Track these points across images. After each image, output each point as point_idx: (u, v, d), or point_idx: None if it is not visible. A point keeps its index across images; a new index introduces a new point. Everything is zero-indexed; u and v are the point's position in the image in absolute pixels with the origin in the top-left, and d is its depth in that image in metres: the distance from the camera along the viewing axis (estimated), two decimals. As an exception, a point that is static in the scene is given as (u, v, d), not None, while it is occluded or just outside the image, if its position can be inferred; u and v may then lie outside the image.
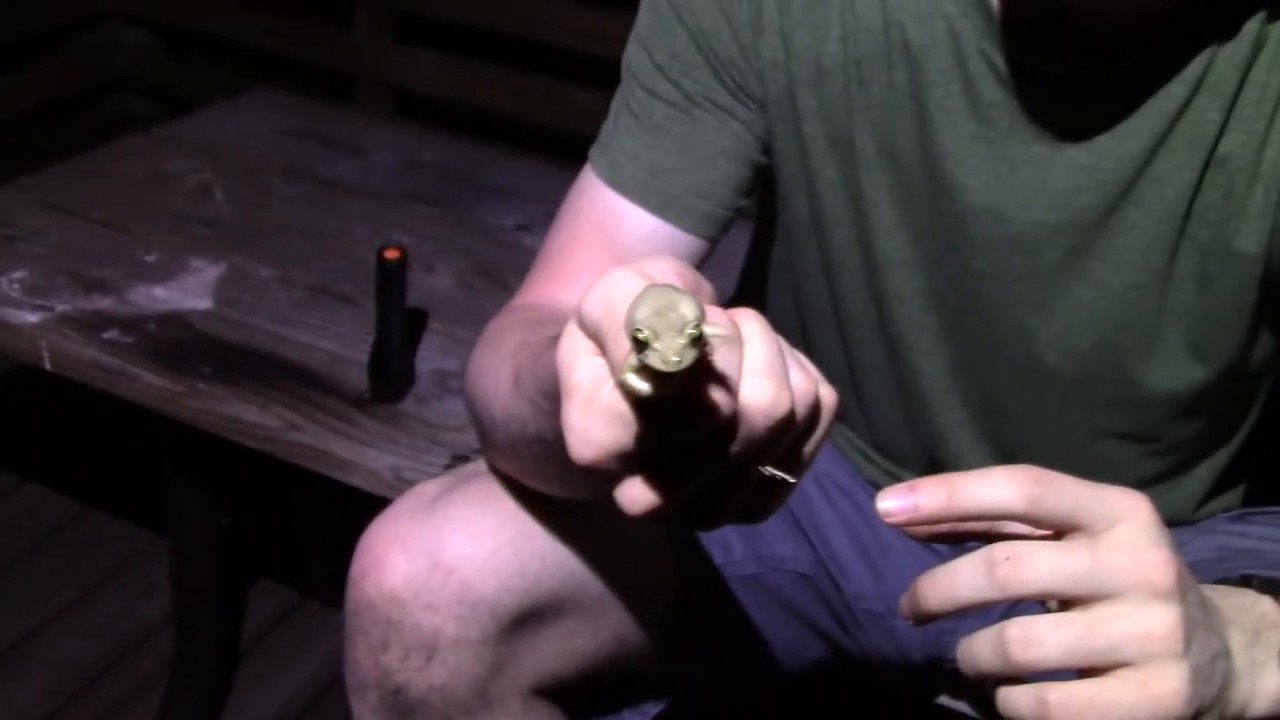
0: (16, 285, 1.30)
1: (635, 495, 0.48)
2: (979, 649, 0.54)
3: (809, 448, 0.52)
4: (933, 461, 0.91)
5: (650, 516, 0.48)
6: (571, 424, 0.47)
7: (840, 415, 0.52)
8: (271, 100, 1.81)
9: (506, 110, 2.36)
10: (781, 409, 0.47)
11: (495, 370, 0.71)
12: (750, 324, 0.49)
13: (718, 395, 0.46)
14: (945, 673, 0.99)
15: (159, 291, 1.33)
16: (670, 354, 0.43)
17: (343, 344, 1.28)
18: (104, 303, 1.29)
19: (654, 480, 0.48)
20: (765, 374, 0.47)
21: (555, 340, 0.51)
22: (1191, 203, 0.75)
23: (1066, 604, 0.53)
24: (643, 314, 0.45)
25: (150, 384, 1.20)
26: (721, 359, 0.46)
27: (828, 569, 0.94)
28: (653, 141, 0.83)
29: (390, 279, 1.17)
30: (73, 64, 2.72)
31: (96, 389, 1.23)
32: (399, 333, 1.19)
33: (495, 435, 0.73)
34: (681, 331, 0.43)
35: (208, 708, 1.56)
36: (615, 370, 0.45)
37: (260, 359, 1.24)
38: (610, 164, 0.84)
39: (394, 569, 0.72)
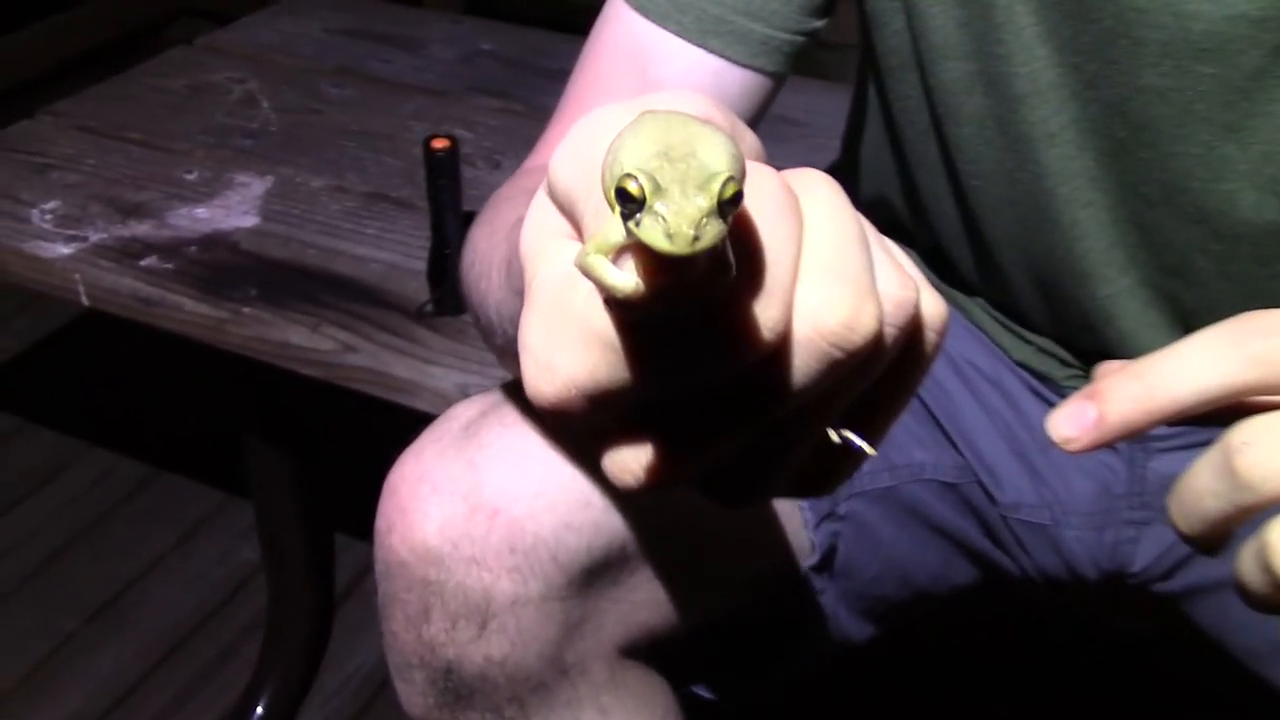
0: (49, 217, 1.19)
1: (625, 462, 0.32)
2: (1245, 567, 0.38)
3: (901, 393, 0.35)
4: (1097, 340, 0.73)
5: (648, 490, 0.32)
6: (528, 345, 0.32)
7: (944, 332, 0.36)
8: (319, 1, 1.66)
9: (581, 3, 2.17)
10: (862, 331, 0.31)
11: (488, 255, 0.55)
12: (817, 193, 0.32)
13: (760, 305, 0.30)
14: (1127, 589, 0.81)
15: (200, 212, 1.20)
16: (683, 223, 0.27)
17: (401, 253, 1.14)
18: (141, 228, 1.17)
19: (655, 439, 0.32)
20: (837, 273, 0.31)
21: None
22: None
23: None
24: (638, 156, 0.28)
25: (191, 312, 1.08)
26: (769, 245, 0.30)
27: (976, 475, 0.77)
28: None
29: (441, 172, 1.02)
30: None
31: (150, 327, 1.12)
32: (457, 234, 1.04)
33: (495, 339, 0.57)
34: (703, 187, 0.27)
35: (307, 657, 1.47)
36: (593, 259, 0.30)
37: (311, 277, 1.11)
38: None
39: (425, 516, 0.58)
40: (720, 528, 0.65)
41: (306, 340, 1.04)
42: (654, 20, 0.65)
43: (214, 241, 1.15)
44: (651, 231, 0.27)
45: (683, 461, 0.32)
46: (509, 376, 0.96)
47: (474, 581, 0.57)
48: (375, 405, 1.04)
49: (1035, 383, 0.78)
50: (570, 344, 0.31)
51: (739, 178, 0.28)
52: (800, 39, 0.67)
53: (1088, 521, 0.77)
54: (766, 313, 0.30)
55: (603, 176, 0.30)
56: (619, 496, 0.60)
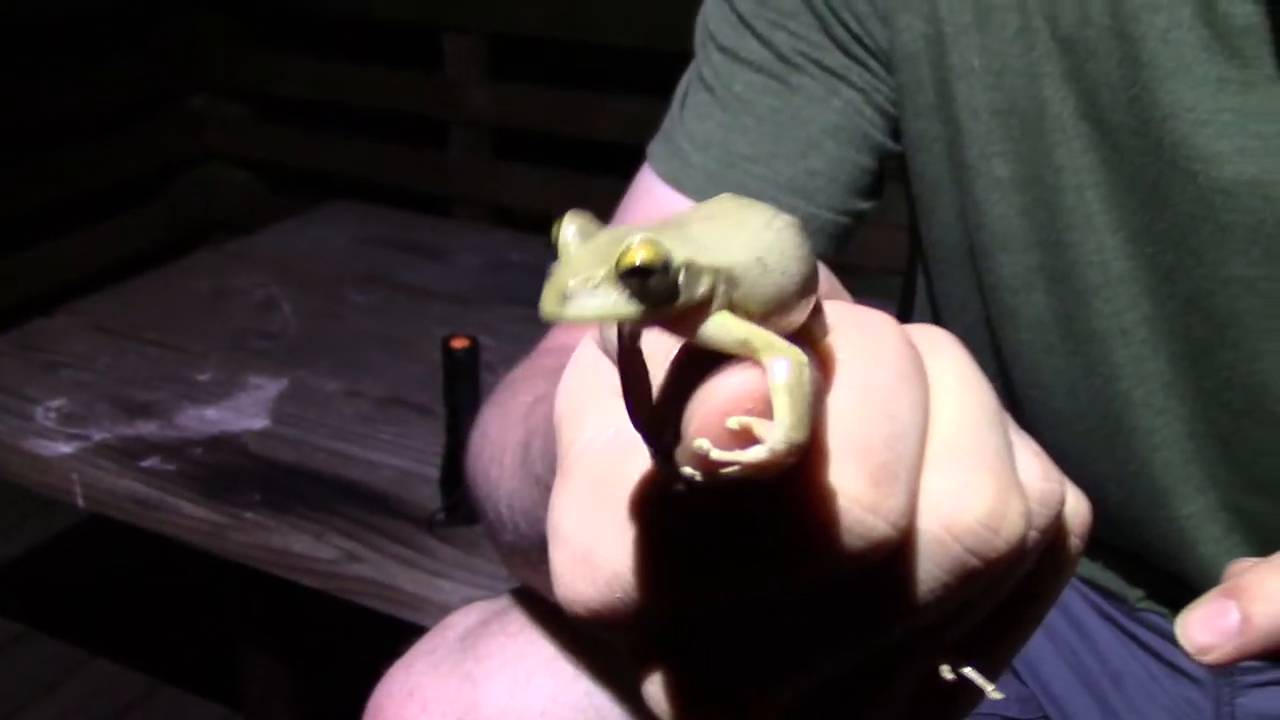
0: (53, 414, 1.15)
1: (675, 694, 0.25)
2: None
3: (1032, 614, 0.29)
4: (1173, 565, 0.65)
5: None
6: (561, 530, 0.26)
7: (1087, 538, 0.29)
8: (349, 210, 1.67)
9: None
10: (1006, 533, 0.24)
11: (501, 440, 0.49)
12: (946, 355, 0.27)
13: (879, 490, 0.23)
14: None
15: (210, 413, 1.16)
16: (553, 283, 0.21)
17: (415, 459, 1.09)
18: (147, 428, 1.13)
19: (719, 663, 0.24)
20: (974, 457, 0.25)
21: None
22: None
23: None
24: (649, 222, 0.23)
25: (190, 516, 1.02)
26: (891, 415, 0.24)
27: (1043, 710, 0.69)
28: (730, 121, 0.61)
29: (459, 373, 0.98)
30: (176, 207, 2.67)
31: (148, 531, 1.06)
32: (474, 438, 0.99)
33: (503, 536, 0.50)
34: (608, 250, 0.21)
35: None
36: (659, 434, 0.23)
37: (319, 482, 1.05)
38: (672, 155, 0.63)
39: None
40: None
41: (309, 549, 0.98)
42: (689, 195, 0.61)
43: (221, 443, 1.11)
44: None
45: (753, 698, 0.24)
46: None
47: (465, 819, 0.49)
48: (383, 616, 0.97)
49: (1103, 602, 0.70)
50: (618, 531, 0.25)
51: (706, 254, 0.22)
52: (846, 220, 0.62)
53: (1171, 766, 0.68)
54: (887, 501, 0.23)
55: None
56: (637, 712, 0.52)
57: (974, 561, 0.24)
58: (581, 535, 0.25)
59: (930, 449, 0.25)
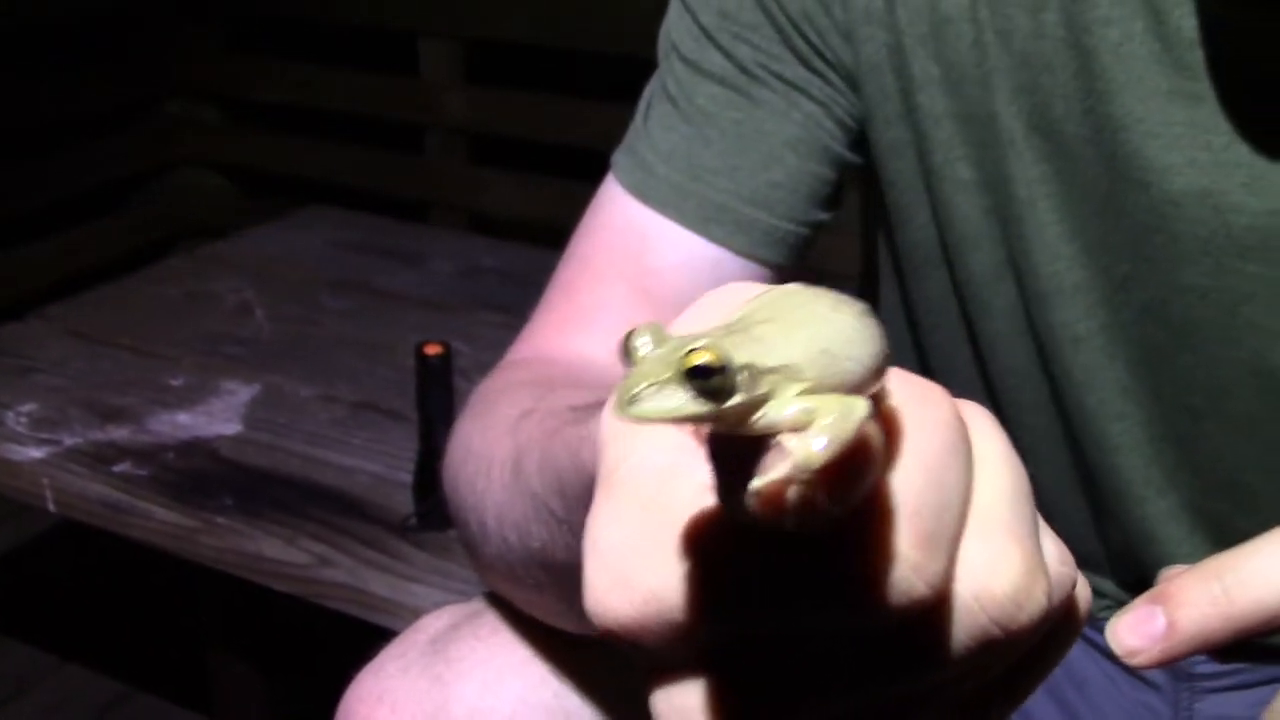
0: (24, 419, 1.14)
1: (688, 711, 0.26)
2: None
3: (1033, 680, 0.31)
4: (1135, 566, 0.67)
5: None
6: (601, 546, 0.27)
7: (1088, 618, 0.33)
8: (324, 215, 1.67)
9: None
10: (1030, 609, 0.27)
11: (486, 453, 0.50)
12: (988, 433, 0.29)
13: (921, 552, 0.25)
14: None
15: (183, 418, 1.16)
16: (625, 384, 0.23)
17: (388, 464, 1.09)
18: (119, 433, 1.13)
19: (737, 688, 0.26)
20: (1009, 533, 0.27)
21: (585, 410, 0.35)
22: None
23: None
24: (702, 326, 0.26)
25: (162, 521, 1.02)
26: (940, 483, 0.26)
27: (1006, 714, 0.70)
28: (693, 133, 0.62)
29: (432, 379, 0.98)
30: (150, 212, 2.66)
31: (119, 536, 1.06)
32: (447, 444, 0.99)
33: (486, 549, 0.51)
34: (672, 355, 0.23)
35: None
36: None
37: (291, 487, 1.05)
38: (636, 166, 0.63)
39: None
40: None
41: (281, 553, 0.98)
42: (653, 206, 0.62)
43: (193, 449, 1.11)
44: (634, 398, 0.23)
45: None
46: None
47: (436, 821, 0.50)
48: (355, 621, 0.97)
49: (1067, 610, 0.71)
50: (663, 553, 0.26)
51: (765, 356, 0.23)
52: (806, 231, 0.63)
53: (1132, 770, 0.69)
54: (929, 565, 0.25)
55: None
56: (610, 717, 0.52)
57: (996, 631, 0.26)
58: (622, 553, 0.26)
59: (970, 519, 0.27)
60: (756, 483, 0.23)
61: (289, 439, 1.13)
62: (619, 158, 0.65)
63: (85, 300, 1.40)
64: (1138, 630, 0.34)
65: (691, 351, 0.23)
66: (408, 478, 1.05)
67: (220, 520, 1.01)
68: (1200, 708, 0.68)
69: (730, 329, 0.24)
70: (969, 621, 0.26)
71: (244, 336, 1.32)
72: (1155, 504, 0.64)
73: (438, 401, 0.99)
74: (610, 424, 0.30)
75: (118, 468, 1.07)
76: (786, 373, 0.24)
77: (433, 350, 0.98)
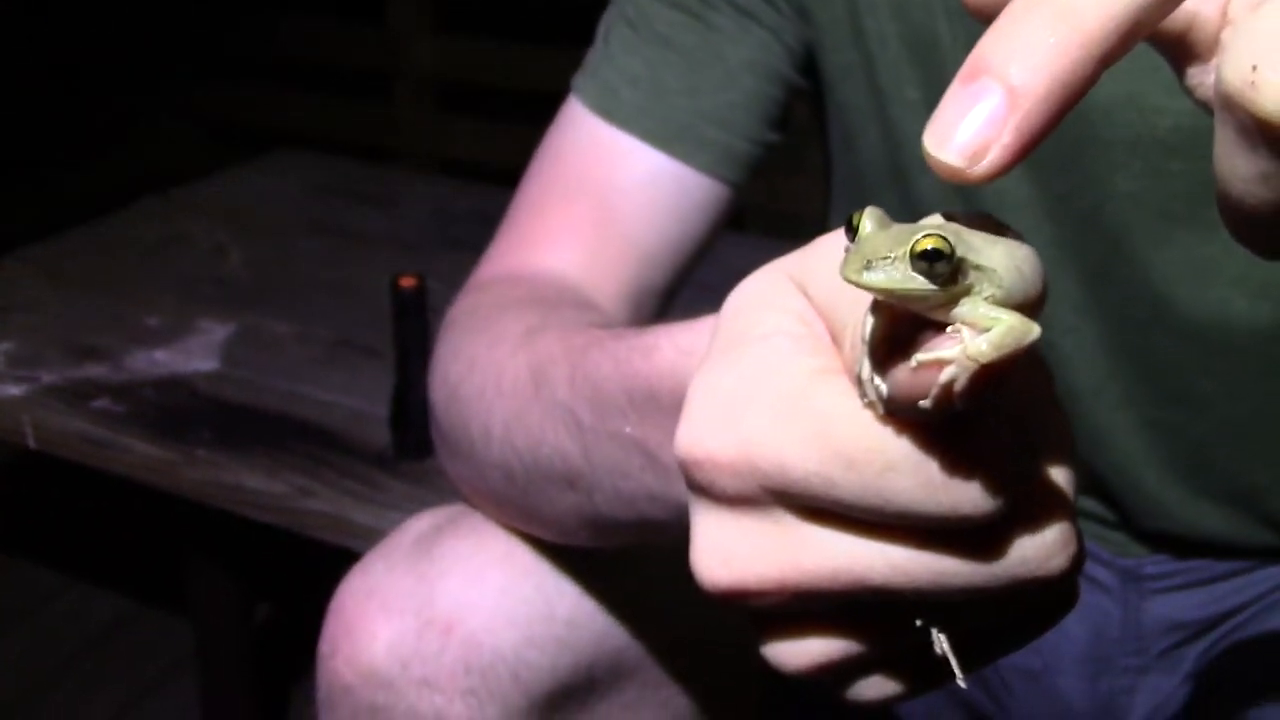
0: (1, 358, 1.15)
1: (814, 654, 0.31)
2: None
3: (1030, 632, 0.33)
4: (1096, 476, 0.70)
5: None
6: (709, 387, 0.30)
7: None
8: (295, 159, 1.67)
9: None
10: (1055, 566, 0.30)
11: (495, 364, 0.52)
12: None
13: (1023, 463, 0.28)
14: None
15: (159, 355, 1.17)
16: (857, 255, 0.26)
17: (366, 400, 1.10)
18: (97, 370, 1.14)
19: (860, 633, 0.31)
20: (1059, 509, 0.30)
21: (618, 335, 0.37)
22: None
23: None
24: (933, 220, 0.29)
25: (143, 455, 1.04)
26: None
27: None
28: (655, 57, 0.65)
29: (407, 311, 1.00)
30: (123, 159, 2.65)
31: (99, 470, 1.07)
32: (421, 376, 1.01)
33: (486, 453, 0.52)
34: (906, 237, 0.26)
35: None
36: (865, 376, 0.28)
37: (270, 421, 1.07)
38: (601, 89, 0.66)
39: (372, 636, 0.52)
40: (683, 659, 0.60)
41: (261, 484, 1.00)
42: (619, 125, 0.64)
43: (171, 385, 1.12)
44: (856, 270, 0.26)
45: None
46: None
47: (426, 706, 0.52)
48: (333, 549, 0.99)
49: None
50: (769, 407, 0.28)
51: (975, 256, 0.26)
52: (759, 150, 0.66)
53: (1081, 669, 0.72)
54: (997, 496, 0.27)
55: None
56: (593, 609, 0.55)
57: (1032, 583, 0.29)
58: (733, 398, 0.29)
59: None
60: (922, 355, 0.26)
61: (267, 375, 1.14)
62: (580, 81, 0.67)
63: (60, 243, 1.41)
64: (968, 120, 0.24)
65: (926, 235, 0.25)
66: (384, 411, 1.07)
67: (200, 453, 1.02)
68: (1148, 606, 0.71)
69: (943, 227, 0.27)
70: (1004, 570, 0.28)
71: (219, 277, 1.33)
72: (1114, 413, 0.66)
73: (413, 333, 1.00)
74: (734, 301, 0.32)
75: (96, 404, 1.09)
76: (989, 276, 0.26)
77: (407, 283, 1.00)
